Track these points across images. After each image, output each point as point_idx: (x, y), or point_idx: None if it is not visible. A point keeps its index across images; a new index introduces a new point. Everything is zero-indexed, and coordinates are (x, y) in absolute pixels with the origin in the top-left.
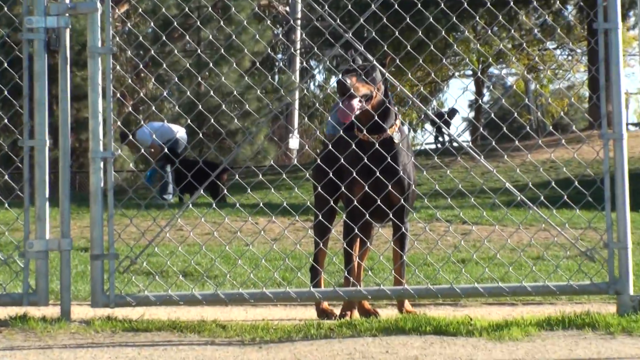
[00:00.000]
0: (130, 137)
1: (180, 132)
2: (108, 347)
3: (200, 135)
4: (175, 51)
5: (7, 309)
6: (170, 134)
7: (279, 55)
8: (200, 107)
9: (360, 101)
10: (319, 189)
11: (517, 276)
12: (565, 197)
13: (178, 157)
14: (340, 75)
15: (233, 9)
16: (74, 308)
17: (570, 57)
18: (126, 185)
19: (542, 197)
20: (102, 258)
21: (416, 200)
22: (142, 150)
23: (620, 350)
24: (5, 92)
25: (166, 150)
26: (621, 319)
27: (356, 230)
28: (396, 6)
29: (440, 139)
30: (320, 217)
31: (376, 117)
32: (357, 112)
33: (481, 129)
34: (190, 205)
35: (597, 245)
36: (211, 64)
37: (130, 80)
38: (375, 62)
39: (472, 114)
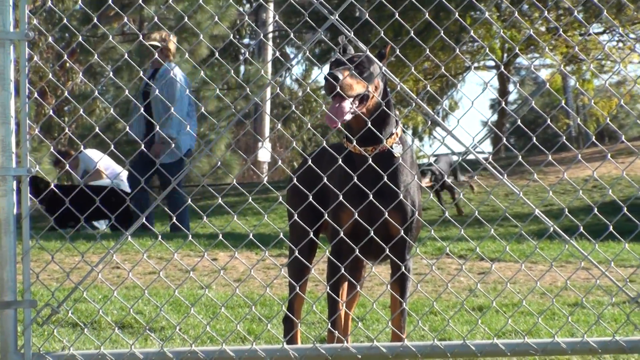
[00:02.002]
0: (69, 166)
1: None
2: None
3: (142, 146)
4: (111, 36)
5: None
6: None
7: (246, 41)
8: (142, 109)
9: (353, 102)
10: (296, 216)
11: (548, 329)
12: (611, 226)
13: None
14: (328, 69)
15: None
16: None
17: (621, 45)
18: (46, 211)
19: (581, 227)
20: (15, 306)
21: (422, 230)
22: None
23: None
24: None
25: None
26: None
27: (343, 270)
28: None
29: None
30: (297, 253)
31: (369, 124)
32: (349, 117)
33: (504, 138)
34: (129, 237)
35: None
36: (156, 54)
37: (52, 74)
38: (369, 52)
39: (494, 118)
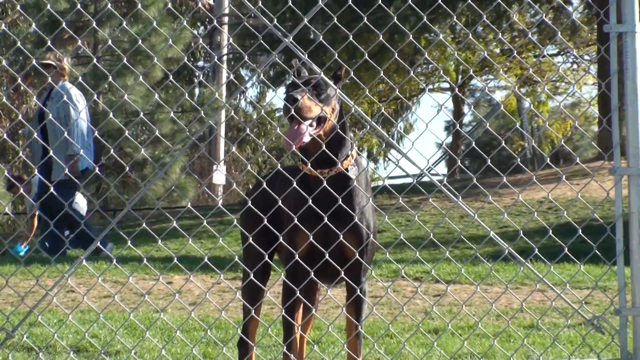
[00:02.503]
0: (22, 189)
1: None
2: None
3: (97, 169)
4: (65, 59)
5: None
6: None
7: (201, 64)
8: (96, 132)
9: (310, 125)
10: (250, 239)
11: (504, 351)
12: (566, 249)
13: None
14: (283, 91)
15: (139, 3)
16: None
17: (575, 67)
18: (1, 235)
19: (536, 249)
20: None
21: (377, 252)
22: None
23: None
24: None
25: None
26: None
27: (298, 294)
28: (350, 1)
29: None
30: (251, 276)
31: (324, 147)
32: (308, 139)
33: (459, 160)
34: (84, 261)
35: (607, 311)
36: (110, 77)
37: (5, 97)
38: (323, 74)
39: (449, 140)
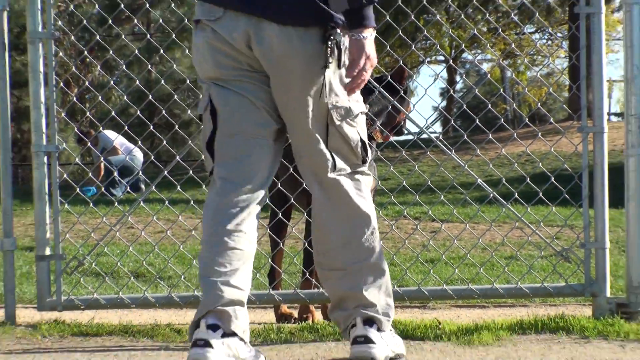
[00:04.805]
0: (91, 144)
1: (135, 151)
2: (56, 353)
3: (151, 127)
4: (123, 35)
5: None
6: (126, 150)
7: None
8: (150, 96)
9: None
10: (278, 184)
11: (488, 277)
12: (541, 193)
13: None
14: None
15: None
16: (19, 311)
17: (549, 43)
18: (72, 181)
19: (516, 194)
20: (48, 259)
21: (383, 196)
22: (100, 156)
23: (596, 355)
24: None
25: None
26: (597, 322)
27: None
28: None
29: None
30: (279, 216)
31: None
32: None
33: (452, 120)
34: (142, 202)
35: (574, 245)
36: (161, 50)
37: (74, 67)
38: None
39: (443, 104)
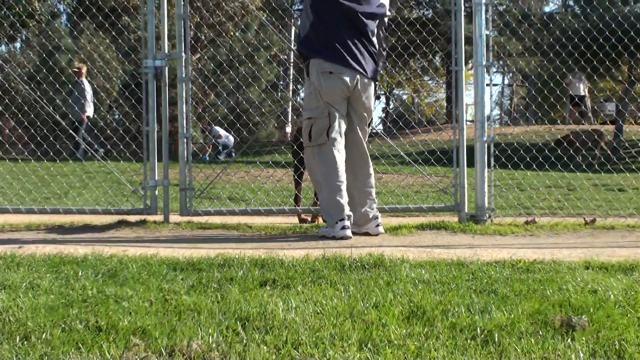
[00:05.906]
0: (207, 133)
1: (230, 137)
2: (189, 235)
3: (238, 125)
4: (225, 80)
5: (136, 217)
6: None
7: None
8: (237, 109)
9: None
10: (296, 161)
11: (405, 201)
12: (432, 159)
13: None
14: None
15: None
16: (171, 217)
17: (438, 83)
18: (198, 151)
19: (420, 159)
20: (185, 190)
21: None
22: (212, 140)
23: (460, 240)
24: (133, 101)
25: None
26: (461, 225)
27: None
28: None
29: None
30: (301, 169)
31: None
32: None
33: (388, 123)
34: (234, 162)
35: (449, 185)
36: (244, 86)
37: (200, 94)
38: None
39: (383, 115)
